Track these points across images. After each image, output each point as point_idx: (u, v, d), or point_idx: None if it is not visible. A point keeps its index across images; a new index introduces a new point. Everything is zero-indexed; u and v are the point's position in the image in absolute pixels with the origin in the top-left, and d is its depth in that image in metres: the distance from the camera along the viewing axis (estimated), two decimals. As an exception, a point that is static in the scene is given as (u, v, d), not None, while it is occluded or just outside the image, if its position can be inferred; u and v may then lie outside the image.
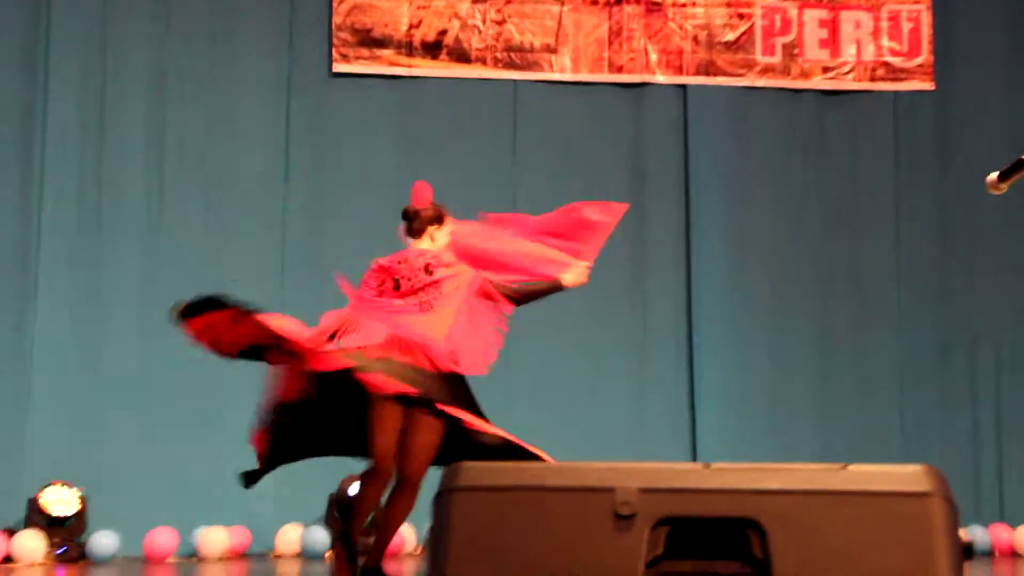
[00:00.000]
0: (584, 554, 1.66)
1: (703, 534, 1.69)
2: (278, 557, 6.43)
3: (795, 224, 6.77)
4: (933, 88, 6.82)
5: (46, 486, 6.01)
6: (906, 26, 6.74)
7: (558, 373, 6.58)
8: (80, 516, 6.10)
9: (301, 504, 6.35)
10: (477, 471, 1.78)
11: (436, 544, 1.76)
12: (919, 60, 6.73)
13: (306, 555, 6.33)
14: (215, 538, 6.18)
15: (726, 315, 6.71)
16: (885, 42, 6.76)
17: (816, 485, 1.69)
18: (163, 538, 6.12)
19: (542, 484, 1.73)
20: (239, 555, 6.37)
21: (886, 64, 6.76)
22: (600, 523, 1.66)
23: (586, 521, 1.68)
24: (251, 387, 4.67)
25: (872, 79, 6.78)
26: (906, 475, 1.69)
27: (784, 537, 1.63)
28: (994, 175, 3.13)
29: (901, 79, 6.78)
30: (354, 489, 5.88)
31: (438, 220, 3.75)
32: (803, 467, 1.74)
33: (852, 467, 1.72)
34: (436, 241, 3.82)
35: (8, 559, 5.96)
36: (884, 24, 6.79)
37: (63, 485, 6.04)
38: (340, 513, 6.01)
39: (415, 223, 3.71)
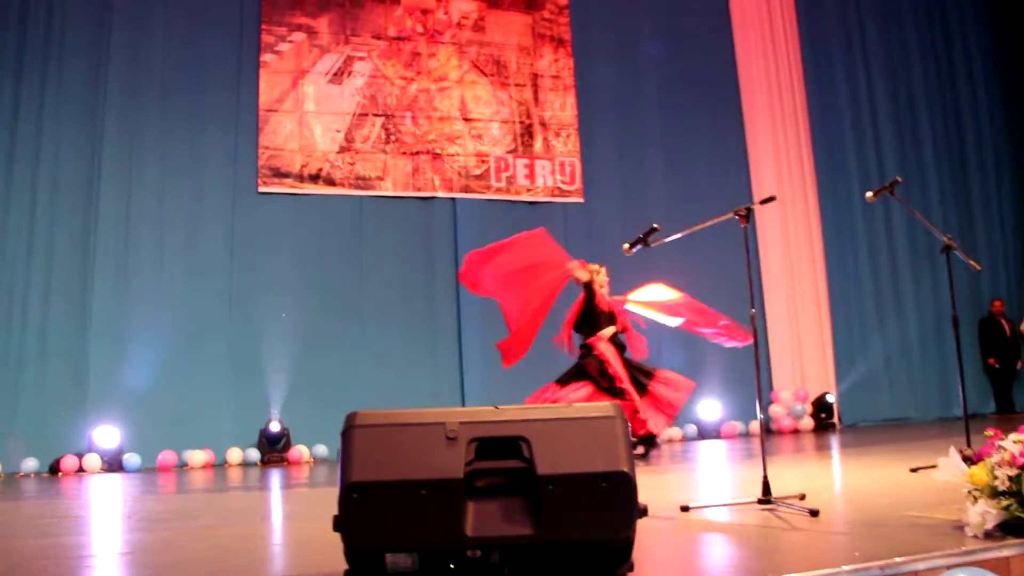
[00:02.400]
0: (431, 459, 2.42)
1: (497, 446, 2.48)
2: (229, 466, 9.55)
3: None
4: (583, 201, 11.21)
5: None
6: (568, 168, 11.25)
7: (388, 357, 10.19)
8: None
9: (244, 435, 9.77)
10: (367, 415, 2.50)
11: (345, 460, 2.43)
12: (575, 186, 11.24)
13: (245, 464, 9.59)
14: (196, 456, 9.50)
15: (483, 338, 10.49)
16: (558, 176, 11.20)
17: (557, 415, 2.55)
18: (167, 457, 9.40)
19: (405, 422, 2.50)
20: (209, 465, 9.53)
21: (559, 188, 11.20)
22: (438, 442, 2.44)
23: (430, 441, 2.44)
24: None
25: (551, 195, 11.14)
26: (602, 407, 2.58)
27: (540, 445, 2.47)
28: (627, 244, 4.74)
29: (567, 195, 11.20)
30: (274, 426, 9.92)
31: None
32: (552, 406, 2.73)
33: (575, 405, 2.65)
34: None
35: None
36: (557, 167, 11.23)
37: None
38: (266, 440, 9.82)
39: None
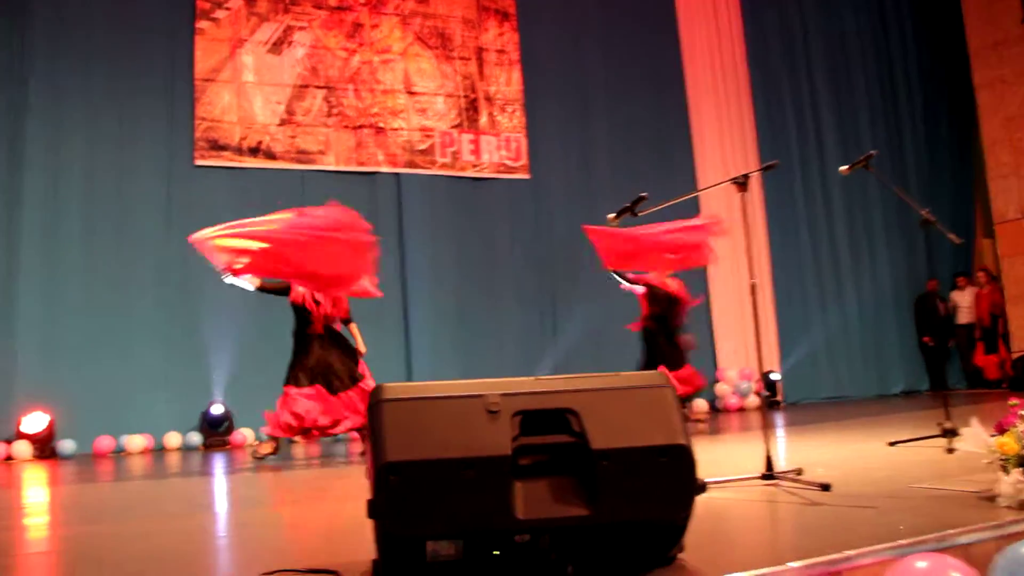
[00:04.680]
0: (474, 435, 2.20)
1: (542, 420, 2.28)
2: (168, 450, 9.21)
3: (460, 251, 10.65)
4: (529, 177, 11.06)
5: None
6: (513, 144, 11.04)
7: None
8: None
9: (184, 419, 9.41)
10: (395, 388, 2.30)
11: (376, 438, 2.22)
12: (521, 162, 11.05)
13: (184, 448, 9.26)
14: (135, 441, 9.11)
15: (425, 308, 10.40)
16: (504, 152, 10.99)
17: (604, 385, 2.36)
18: (104, 442, 9.01)
19: (437, 394, 2.28)
20: (148, 450, 9.15)
21: (504, 164, 11.01)
22: (478, 417, 2.23)
23: (470, 415, 2.23)
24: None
25: (497, 172, 10.94)
26: (651, 375, 2.44)
27: (591, 417, 2.27)
28: (611, 214, 4.45)
29: (512, 172, 11.01)
30: (216, 408, 9.54)
31: None
32: (596, 375, 2.39)
33: (621, 373, 2.42)
34: None
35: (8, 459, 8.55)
36: (503, 142, 11.01)
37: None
38: (208, 424, 9.47)
39: None
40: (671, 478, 2.24)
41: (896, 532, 2.59)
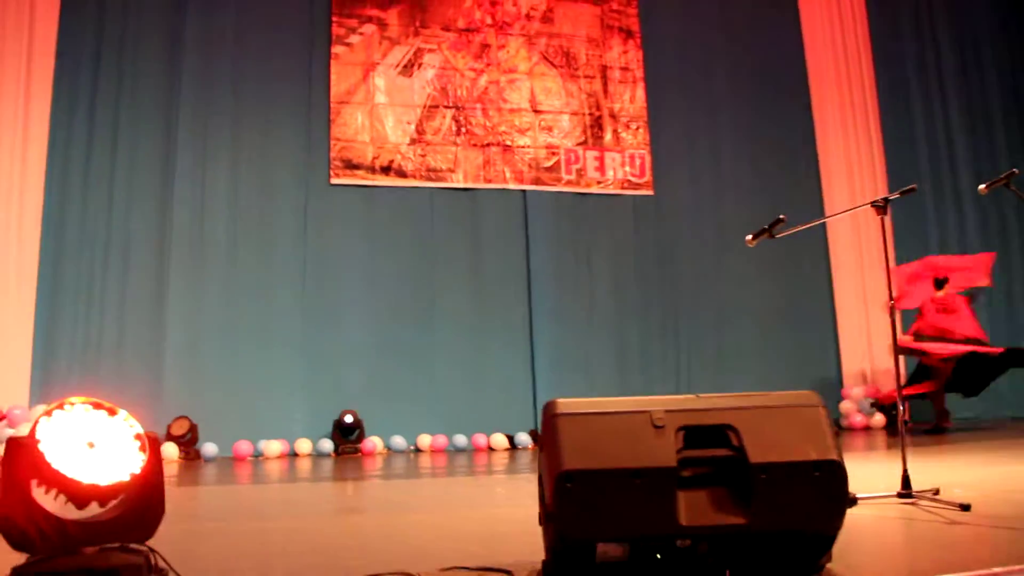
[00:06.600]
0: (641, 448, 2.40)
1: (704, 435, 2.47)
2: (299, 456, 9.53)
3: (585, 266, 10.90)
4: (653, 193, 11.17)
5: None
6: (637, 161, 11.18)
7: (459, 350, 10.22)
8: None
9: (316, 426, 9.78)
10: (567, 404, 2.52)
11: (552, 448, 2.44)
12: (645, 178, 11.16)
13: (316, 454, 9.59)
14: (272, 446, 9.51)
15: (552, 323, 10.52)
16: (628, 168, 11.15)
17: (762, 403, 2.53)
18: (243, 446, 9.41)
19: (607, 410, 2.48)
20: (284, 455, 9.52)
21: (628, 180, 11.15)
22: (645, 431, 2.43)
23: (636, 430, 2.43)
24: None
25: (622, 188, 11.09)
26: (805, 395, 2.58)
27: (749, 433, 2.45)
28: (749, 236, 4.44)
29: (637, 188, 11.14)
30: (349, 418, 9.92)
31: None
32: (753, 394, 2.56)
33: (776, 392, 2.58)
34: None
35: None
36: (627, 159, 11.16)
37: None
38: (340, 431, 9.80)
39: None
40: (824, 492, 2.39)
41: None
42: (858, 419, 10.94)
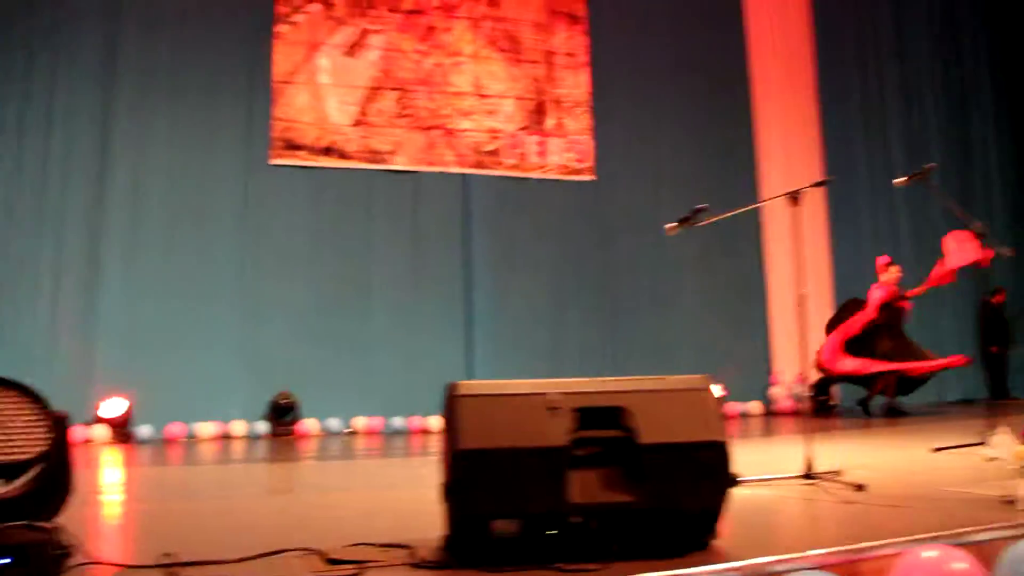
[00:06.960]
0: (536, 428, 2.51)
1: (599, 416, 2.58)
2: (233, 438, 9.50)
3: (524, 250, 10.91)
4: (595, 179, 11.27)
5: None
6: (579, 146, 11.30)
7: (397, 331, 10.28)
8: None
9: (252, 408, 9.74)
10: (469, 385, 2.62)
11: (451, 428, 2.55)
12: (587, 164, 11.28)
13: (251, 436, 9.57)
14: (206, 428, 9.53)
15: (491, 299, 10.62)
16: (569, 154, 11.24)
17: (654, 387, 2.68)
18: (177, 428, 9.41)
19: (507, 392, 2.58)
20: (219, 437, 9.48)
21: (571, 166, 11.24)
22: (540, 412, 2.53)
23: (532, 411, 2.53)
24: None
25: (562, 173, 11.20)
26: (695, 379, 2.71)
27: (641, 415, 2.58)
28: (670, 224, 4.73)
29: (578, 173, 11.25)
30: (284, 398, 9.94)
31: None
32: (646, 377, 2.69)
33: (670, 376, 2.72)
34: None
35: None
36: (569, 144, 11.27)
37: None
38: (275, 413, 9.79)
39: None
40: (707, 471, 2.54)
41: (914, 527, 2.83)
42: (787, 404, 11.20)
